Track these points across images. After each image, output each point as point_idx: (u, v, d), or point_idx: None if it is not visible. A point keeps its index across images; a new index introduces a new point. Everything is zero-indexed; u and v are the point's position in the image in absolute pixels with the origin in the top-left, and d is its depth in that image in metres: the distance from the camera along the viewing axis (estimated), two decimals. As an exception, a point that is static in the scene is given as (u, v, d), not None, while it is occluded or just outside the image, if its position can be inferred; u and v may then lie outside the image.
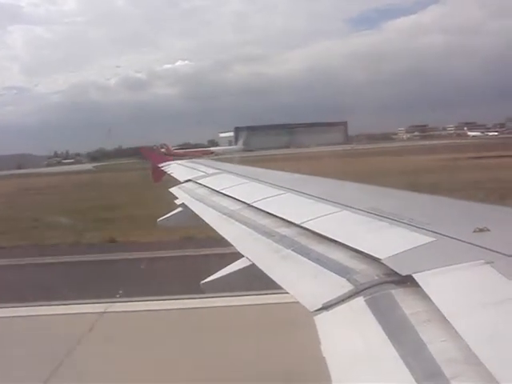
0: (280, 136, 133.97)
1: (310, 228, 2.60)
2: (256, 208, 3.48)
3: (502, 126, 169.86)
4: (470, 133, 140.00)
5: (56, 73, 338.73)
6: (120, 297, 10.35)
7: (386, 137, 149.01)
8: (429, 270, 1.66)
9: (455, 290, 1.55)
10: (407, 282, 1.64)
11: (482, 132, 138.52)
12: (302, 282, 2.05)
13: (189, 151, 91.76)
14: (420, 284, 1.56)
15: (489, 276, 1.53)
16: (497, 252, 1.69)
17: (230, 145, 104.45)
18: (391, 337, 1.37)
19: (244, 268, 2.50)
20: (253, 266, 2.42)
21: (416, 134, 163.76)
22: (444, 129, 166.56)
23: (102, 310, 9.61)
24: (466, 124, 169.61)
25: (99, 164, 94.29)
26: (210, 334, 8.23)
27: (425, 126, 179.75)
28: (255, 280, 2.45)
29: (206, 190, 5.30)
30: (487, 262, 1.60)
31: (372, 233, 2.34)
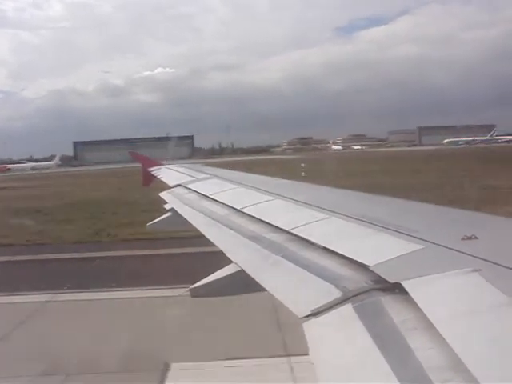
0: (119, 151, 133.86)
1: (299, 234, 2.59)
2: (245, 214, 3.47)
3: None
4: (333, 147, 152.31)
5: (42, 77, 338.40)
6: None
7: (264, 150, 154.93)
8: (417, 277, 1.66)
9: (443, 297, 1.55)
10: (396, 289, 1.64)
11: (343, 146, 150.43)
12: (291, 288, 2.05)
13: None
14: (408, 291, 1.57)
15: (476, 284, 1.54)
16: (484, 260, 1.70)
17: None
18: (379, 344, 1.36)
19: (233, 273, 2.49)
20: (241, 271, 2.41)
21: (298, 146, 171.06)
22: (334, 142, 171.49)
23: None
24: (355, 136, 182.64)
25: None
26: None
27: (309, 138, 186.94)
28: (244, 286, 2.43)
29: (195, 194, 5.28)
30: (475, 270, 1.61)
31: (360, 240, 2.34)
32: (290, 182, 5.87)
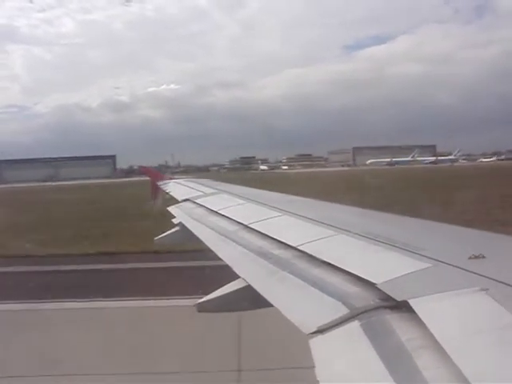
0: (39, 170, 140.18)
1: (307, 251, 2.60)
2: (253, 229, 3.49)
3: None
4: (261, 166, 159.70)
5: (55, 92, 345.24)
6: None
7: (202, 169, 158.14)
8: (424, 295, 1.66)
9: (450, 316, 1.55)
10: (403, 307, 1.64)
11: (271, 167, 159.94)
12: (298, 304, 2.05)
13: None
14: (415, 310, 1.57)
15: (484, 303, 1.54)
16: (492, 279, 1.70)
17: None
18: (386, 362, 1.36)
19: (240, 289, 2.49)
20: (249, 287, 2.42)
21: (237, 165, 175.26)
22: (262, 162, 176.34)
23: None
24: (301, 156, 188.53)
25: None
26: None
27: (251, 157, 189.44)
28: (251, 301, 2.44)
29: (203, 209, 5.31)
30: (482, 289, 1.61)
31: (368, 257, 2.35)
32: (299, 198, 5.88)
